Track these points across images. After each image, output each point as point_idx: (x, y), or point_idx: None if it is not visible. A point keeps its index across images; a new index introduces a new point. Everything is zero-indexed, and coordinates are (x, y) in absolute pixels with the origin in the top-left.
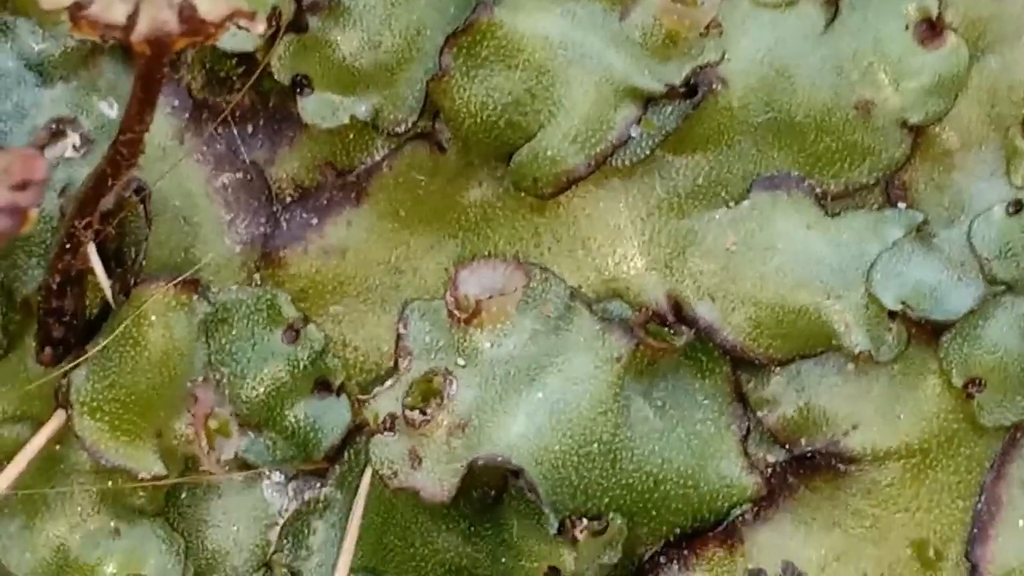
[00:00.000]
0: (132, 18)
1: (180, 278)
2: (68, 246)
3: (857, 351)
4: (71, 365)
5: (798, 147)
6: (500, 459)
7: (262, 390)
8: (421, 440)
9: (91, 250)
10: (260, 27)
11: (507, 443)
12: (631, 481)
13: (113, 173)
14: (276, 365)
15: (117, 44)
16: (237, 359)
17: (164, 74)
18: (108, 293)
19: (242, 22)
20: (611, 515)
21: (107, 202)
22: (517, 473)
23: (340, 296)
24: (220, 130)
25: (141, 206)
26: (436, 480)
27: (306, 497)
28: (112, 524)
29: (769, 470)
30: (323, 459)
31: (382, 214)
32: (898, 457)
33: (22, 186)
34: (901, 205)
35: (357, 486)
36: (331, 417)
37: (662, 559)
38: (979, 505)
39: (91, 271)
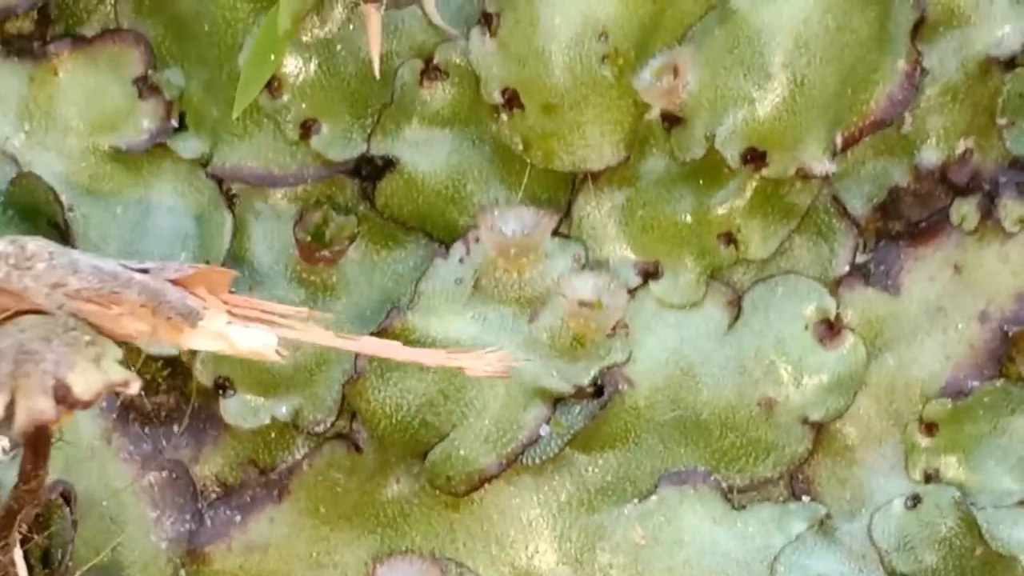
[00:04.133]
0: (10, 409)
1: None
2: None
3: None
4: None
5: (704, 443)
6: None
7: None
8: None
9: (17, 556)
10: (135, 388)
11: None
12: None
13: (19, 509)
14: None
15: None
16: None
17: (51, 441)
18: None
19: (118, 389)
20: None
21: (29, 515)
22: None
23: None
24: (146, 430)
25: (67, 509)
26: None
27: None
28: None
29: None
30: None
31: (303, 511)
32: None
33: None
34: (804, 498)
35: None
36: None
37: None
38: None
39: None
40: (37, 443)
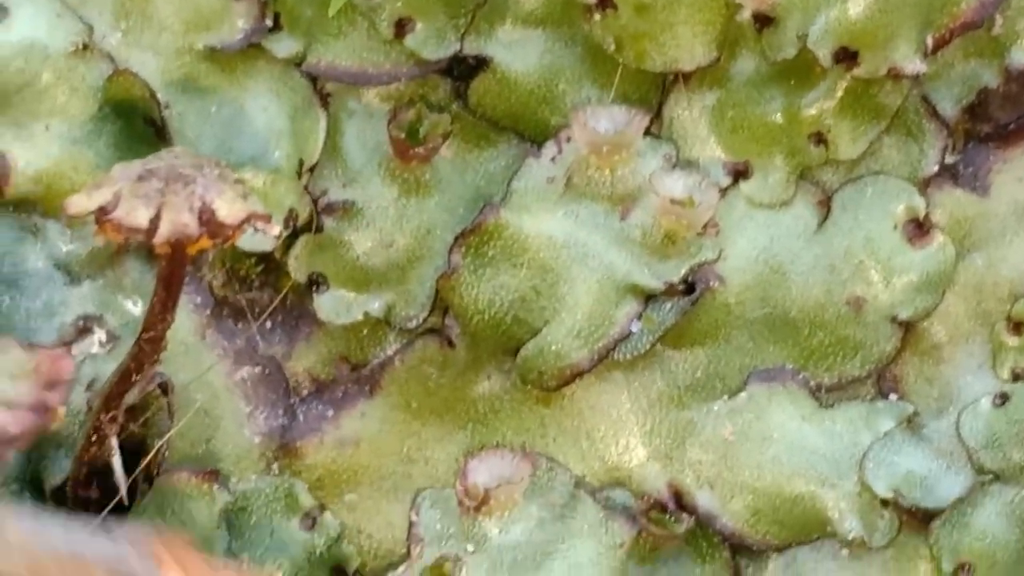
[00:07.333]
0: (154, 222)
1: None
2: (94, 439)
3: (851, 537)
4: None
5: (793, 341)
6: None
7: None
8: None
9: (113, 443)
10: (276, 229)
11: None
12: None
13: (137, 369)
14: (294, 552)
15: (141, 245)
16: (256, 546)
17: (185, 274)
18: (122, 487)
19: (259, 224)
20: None
21: (132, 397)
22: None
23: (355, 485)
24: (240, 326)
25: (165, 400)
26: None
27: None
28: None
29: None
30: None
31: (395, 406)
32: None
33: (50, 385)
34: (892, 397)
35: None
36: None
37: None
38: None
39: None
40: (172, 273)
